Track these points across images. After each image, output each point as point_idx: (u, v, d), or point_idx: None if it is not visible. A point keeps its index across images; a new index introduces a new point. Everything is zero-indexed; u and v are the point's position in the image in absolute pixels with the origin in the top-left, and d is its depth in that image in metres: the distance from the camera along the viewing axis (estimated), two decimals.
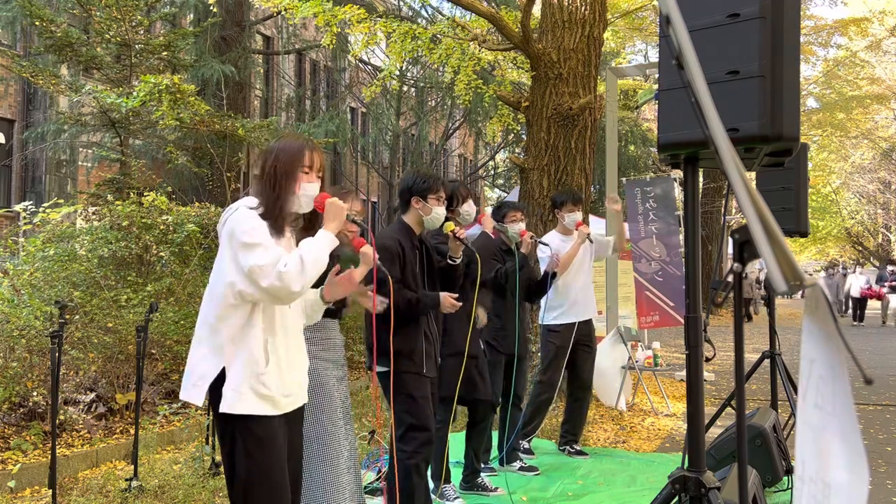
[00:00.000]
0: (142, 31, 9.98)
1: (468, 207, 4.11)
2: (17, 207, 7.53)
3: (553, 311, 5.16)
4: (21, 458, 4.48)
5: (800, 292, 1.19)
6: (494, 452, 4.95)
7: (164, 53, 10.01)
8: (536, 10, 7.54)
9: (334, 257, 2.92)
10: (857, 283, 19.55)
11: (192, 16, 14.20)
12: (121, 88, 9.17)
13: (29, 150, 14.41)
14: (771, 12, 2.09)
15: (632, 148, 19.17)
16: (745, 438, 1.93)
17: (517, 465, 4.82)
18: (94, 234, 6.74)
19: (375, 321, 3.42)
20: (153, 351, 6.14)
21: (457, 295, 3.56)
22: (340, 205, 2.39)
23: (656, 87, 2.93)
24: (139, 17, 9.52)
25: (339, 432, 3.01)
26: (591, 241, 5.13)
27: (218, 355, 2.27)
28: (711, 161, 2.35)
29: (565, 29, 6.96)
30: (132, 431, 5.01)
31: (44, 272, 6.21)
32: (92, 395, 5.41)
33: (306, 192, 2.38)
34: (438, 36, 8.31)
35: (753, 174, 4.30)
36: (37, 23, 9.17)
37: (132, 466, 4.28)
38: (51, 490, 3.80)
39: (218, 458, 4.51)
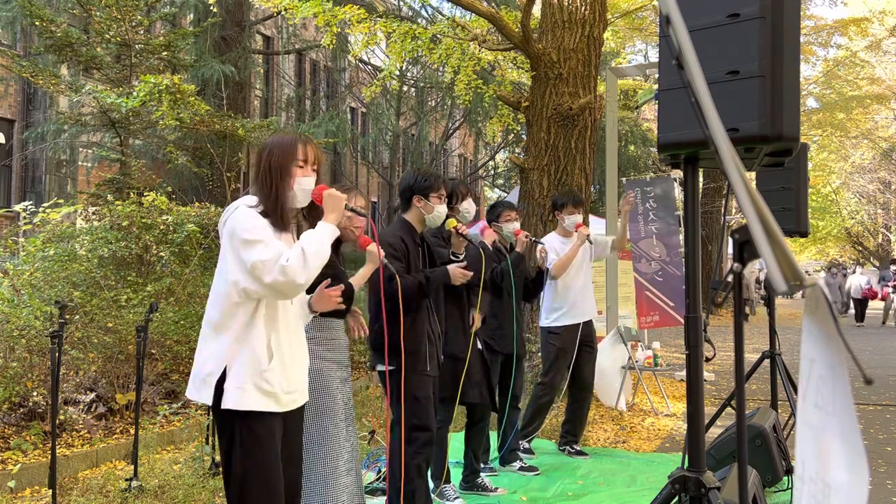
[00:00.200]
0: (142, 31, 9.98)
1: (468, 205, 4.12)
2: (17, 207, 7.53)
3: (553, 313, 5.16)
4: (21, 458, 4.48)
5: (800, 292, 1.19)
6: (494, 453, 4.95)
7: (164, 53, 10.00)
8: (536, 10, 7.55)
9: (329, 268, 2.92)
10: (857, 283, 19.51)
11: (192, 16, 14.20)
12: (121, 88, 9.17)
13: (29, 150, 14.41)
14: (771, 12, 2.09)
15: (632, 148, 19.16)
16: (745, 438, 1.93)
17: (517, 465, 4.82)
18: (94, 234, 6.74)
19: (376, 320, 3.43)
20: (153, 351, 6.14)
21: (464, 263, 3.57)
22: (339, 195, 2.39)
23: (656, 87, 2.93)
24: (139, 17, 9.51)
25: (340, 434, 3.01)
26: (590, 243, 5.13)
27: (223, 353, 2.28)
28: (711, 161, 2.36)
29: (565, 29, 6.97)
30: (132, 431, 5.01)
31: (44, 272, 6.21)
32: (92, 395, 5.41)
33: (302, 185, 2.38)
34: (438, 36, 8.31)
35: (753, 174, 4.30)
36: (37, 23, 9.17)
37: (132, 466, 4.28)
38: (51, 490, 3.80)
39: (218, 457, 4.51)
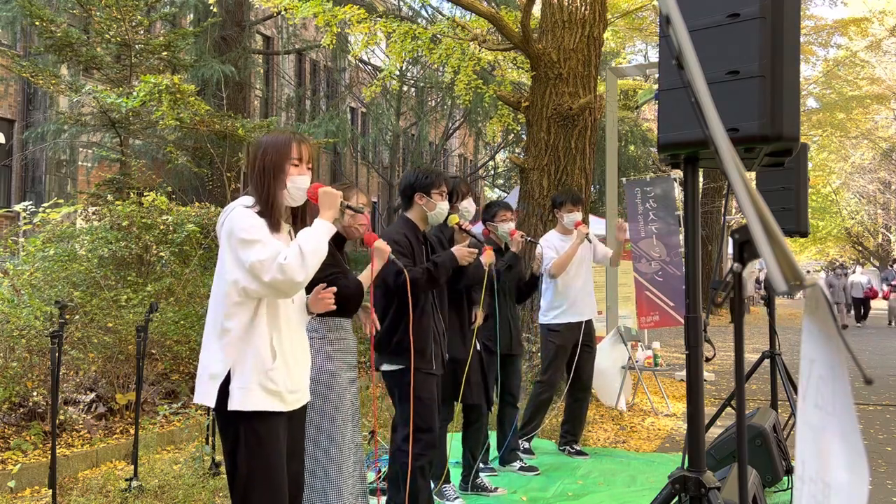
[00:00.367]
0: (142, 31, 9.97)
1: (467, 204, 4.11)
2: (17, 207, 7.53)
3: (553, 311, 5.16)
4: (21, 458, 4.48)
5: (800, 292, 1.19)
6: (494, 453, 4.95)
7: (164, 53, 10.00)
8: (536, 10, 7.54)
9: (335, 267, 2.93)
10: (858, 282, 19.49)
11: (192, 16, 14.19)
12: (121, 88, 9.17)
13: (29, 150, 14.41)
14: (771, 12, 2.09)
15: (632, 148, 19.16)
16: (745, 438, 1.93)
17: (517, 464, 4.82)
18: (94, 234, 6.74)
19: (382, 318, 3.41)
20: (153, 351, 6.14)
21: (467, 242, 3.56)
22: (334, 192, 2.39)
23: (656, 87, 2.93)
24: (139, 17, 9.51)
25: (348, 434, 3.01)
26: (589, 241, 5.14)
27: (227, 355, 2.27)
28: (711, 161, 2.35)
29: (565, 29, 6.96)
30: (132, 431, 5.01)
31: (44, 272, 6.21)
32: (92, 395, 5.41)
33: (297, 184, 2.38)
34: (438, 36, 8.31)
35: (753, 174, 4.30)
36: (37, 23, 9.17)
37: (132, 466, 4.28)
38: (51, 490, 3.80)
39: (218, 457, 4.50)
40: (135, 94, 8.43)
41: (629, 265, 8.53)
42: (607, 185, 7.95)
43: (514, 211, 4.77)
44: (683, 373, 8.42)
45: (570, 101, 6.91)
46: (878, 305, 21.36)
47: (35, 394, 4.98)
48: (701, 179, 15.05)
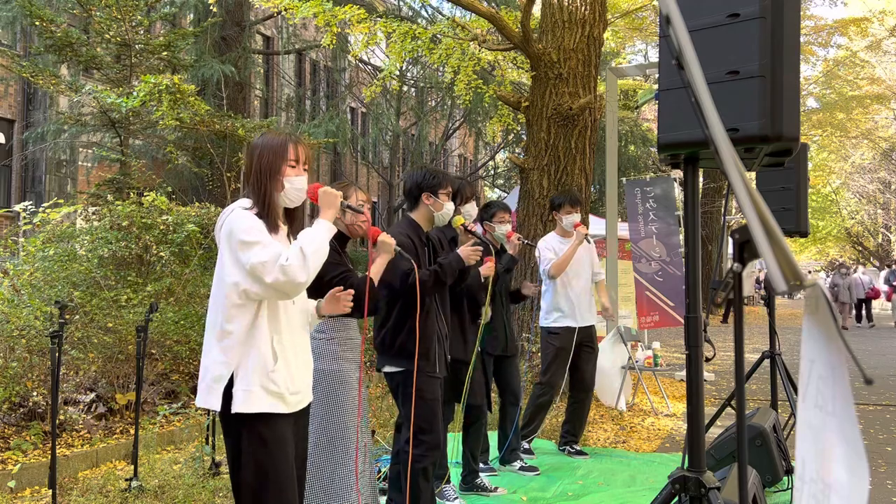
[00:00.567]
0: (142, 31, 9.97)
1: (470, 208, 4.09)
2: (17, 207, 7.53)
3: (553, 314, 5.16)
4: (21, 458, 4.48)
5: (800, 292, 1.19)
6: (494, 453, 4.95)
7: (164, 53, 10.00)
8: (536, 10, 7.55)
9: (340, 266, 2.92)
10: (860, 282, 19.44)
11: (192, 16, 14.19)
12: (121, 88, 9.17)
13: (29, 150, 14.41)
14: (771, 12, 2.08)
15: (632, 148, 19.17)
16: (745, 438, 1.93)
17: (517, 464, 4.82)
18: (94, 234, 6.74)
19: (386, 319, 3.41)
20: (153, 351, 6.14)
21: (472, 241, 3.55)
22: (334, 192, 2.39)
23: (656, 87, 2.93)
24: (139, 17, 9.51)
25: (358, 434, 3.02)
26: (588, 242, 5.14)
27: (229, 357, 2.26)
28: (711, 161, 2.35)
29: (565, 29, 6.97)
30: (132, 431, 5.01)
31: (44, 272, 6.21)
32: (92, 395, 5.41)
33: (295, 185, 2.37)
34: (438, 36, 8.31)
35: (753, 174, 4.30)
36: (37, 23, 9.17)
37: (132, 466, 4.28)
38: (51, 490, 3.80)
39: (218, 457, 4.51)
40: (135, 94, 8.43)
41: (629, 265, 8.53)
42: (607, 185, 7.96)
43: (511, 212, 4.77)
44: (683, 373, 8.42)
45: (570, 101, 6.91)
46: (880, 306, 21.35)
47: (35, 394, 4.98)
48: (701, 179, 15.06)
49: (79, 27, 10.88)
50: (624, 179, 9.36)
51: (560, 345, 5.11)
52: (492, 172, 25.82)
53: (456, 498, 4.05)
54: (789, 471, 4.02)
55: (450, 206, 3.52)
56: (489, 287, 3.97)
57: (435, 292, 3.39)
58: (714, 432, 4.78)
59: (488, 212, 4.69)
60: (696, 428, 2.28)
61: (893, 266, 19.81)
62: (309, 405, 2.52)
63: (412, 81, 19.16)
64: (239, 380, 2.25)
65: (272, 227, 2.31)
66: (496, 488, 4.36)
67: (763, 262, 1.08)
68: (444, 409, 3.98)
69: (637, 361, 7.11)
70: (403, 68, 17.08)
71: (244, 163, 2.46)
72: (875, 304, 20.02)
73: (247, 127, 10.05)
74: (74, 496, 4.05)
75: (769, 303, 4.85)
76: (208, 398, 2.28)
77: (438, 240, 3.79)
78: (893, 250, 32.93)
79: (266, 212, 2.32)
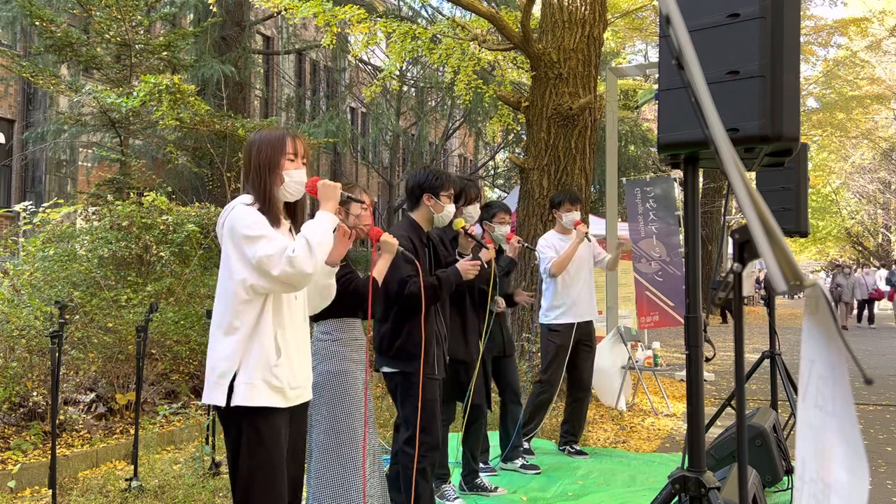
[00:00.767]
0: (142, 31, 9.97)
1: (472, 210, 4.08)
2: (17, 207, 7.53)
3: (553, 311, 5.16)
4: (21, 458, 4.48)
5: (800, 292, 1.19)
6: (494, 452, 4.95)
7: (164, 53, 10.00)
8: (536, 10, 7.55)
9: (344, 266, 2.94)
10: (862, 282, 19.39)
11: (192, 16, 14.19)
12: (121, 88, 9.17)
13: (29, 150, 14.41)
14: (771, 12, 2.08)
15: (632, 148, 19.16)
16: (745, 438, 1.93)
17: (519, 462, 4.82)
18: (94, 234, 6.74)
19: (384, 320, 3.41)
20: (153, 351, 6.14)
21: (470, 255, 3.55)
22: (333, 184, 2.40)
23: (656, 87, 2.93)
24: (139, 17, 9.51)
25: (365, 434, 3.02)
26: (589, 240, 5.14)
27: (235, 353, 2.27)
28: (711, 161, 2.35)
29: (565, 29, 6.97)
30: (132, 431, 5.01)
31: (44, 272, 6.21)
32: (92, 395, 5.41)
33: (294, 178, 2.38)
34: (438, 36, 8.31)
35: (753, 174, 4.30)
36: (37, 23, 9.17)
37: (132, 466, 4.28)
38: (51, 490, 3.80)
39: (218, 457, 4.51)
40: (135, 94, 8.43)
41: (629, 265, 8.53)
42: (607, 185, 7.96)
43: (511, 213, 4.77)
44: (683, 373, 8.42)
45: (570, 101, 6.91)
46: (882, 306, 21.35)
47: (35, 394, 4.98)
48: (701, 179, 15.06)
49: (79, 27, 10.88)
50: (624, 179, 9.36)
51: (560, 342, 5.12)
52: (492, 172, 25.82)
53: (456, 498, 4.05)
54: (789, 471, 4.02)
55: (450, 209, 3.51)
56: (491, 278, 3.97)
57: (430, 305, 3.38)
58: (714, 432, 4.78)
59: (489, 212, 4.68)
60: (696, 428, 2.28)
61: (894, 266, 19.78)
62: (308, 402, 2.53)
63: (412, 81, 19.16)
64: (242, 374, 2.26)
65: (274, 221, 2.32)
66: (496, 488, 4.36)
67: (763, 262, 1.08)
68: (443, 409, 3.99)
69: (637, 361, 7.11)
70: (403, 68, 17.08)
71: (243, 160, 2.46)
72: (875, 304, 20.00)
73: (247, 127, 10.04)
74: (74, 496, 4.05)
75: (769, 303, 4.85)
76: (213, 394, 2.28)
77: (440, 239, 3.79)
78: (893, 250, 32.93)
79: (267, 206, 2.33)
